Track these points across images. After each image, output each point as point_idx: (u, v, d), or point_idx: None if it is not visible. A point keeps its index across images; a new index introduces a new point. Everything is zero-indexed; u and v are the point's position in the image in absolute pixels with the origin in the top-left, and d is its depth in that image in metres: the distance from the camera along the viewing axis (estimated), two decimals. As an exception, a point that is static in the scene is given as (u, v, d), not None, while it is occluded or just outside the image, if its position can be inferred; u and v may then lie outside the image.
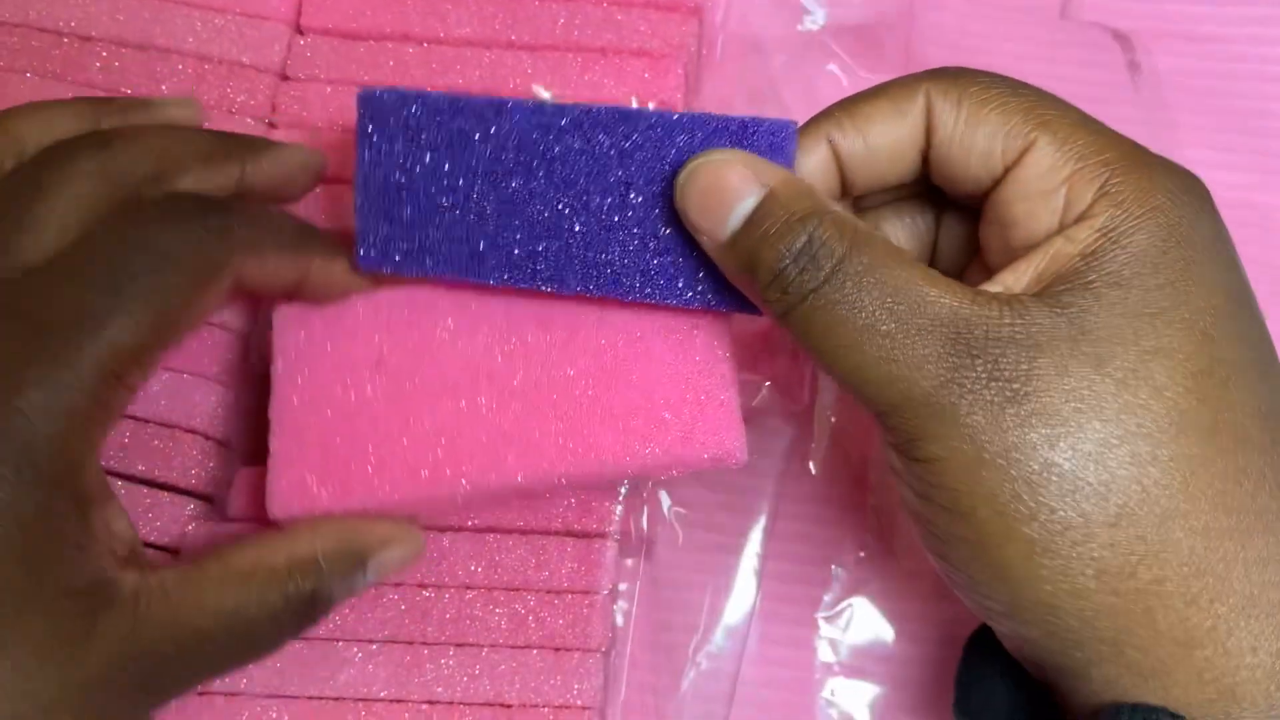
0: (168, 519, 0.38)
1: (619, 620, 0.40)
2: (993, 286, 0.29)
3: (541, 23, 0.43)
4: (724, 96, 0.44)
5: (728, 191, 0.30)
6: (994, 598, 0.28)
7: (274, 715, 0.37)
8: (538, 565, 0.38)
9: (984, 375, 0.27)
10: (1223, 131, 0.45)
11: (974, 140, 0.31)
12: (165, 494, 0.38)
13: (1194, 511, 0.27)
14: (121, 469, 0.38)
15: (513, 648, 0.37)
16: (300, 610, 0.32)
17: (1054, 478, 0.27)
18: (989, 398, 0.27)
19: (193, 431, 0.39)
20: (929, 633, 0.40)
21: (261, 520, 0.39)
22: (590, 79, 0.42)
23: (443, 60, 0.42)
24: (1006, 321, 0.27)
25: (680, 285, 0.32)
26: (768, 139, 0.31)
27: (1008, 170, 0.30)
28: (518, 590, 0.38)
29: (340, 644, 0.37)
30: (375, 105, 0.34)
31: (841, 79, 0.45)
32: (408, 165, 0.34)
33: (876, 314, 0.28)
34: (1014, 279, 0.29)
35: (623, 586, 0.40)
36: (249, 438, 0.42)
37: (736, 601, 0.41)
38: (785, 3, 0.46)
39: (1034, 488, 0.27)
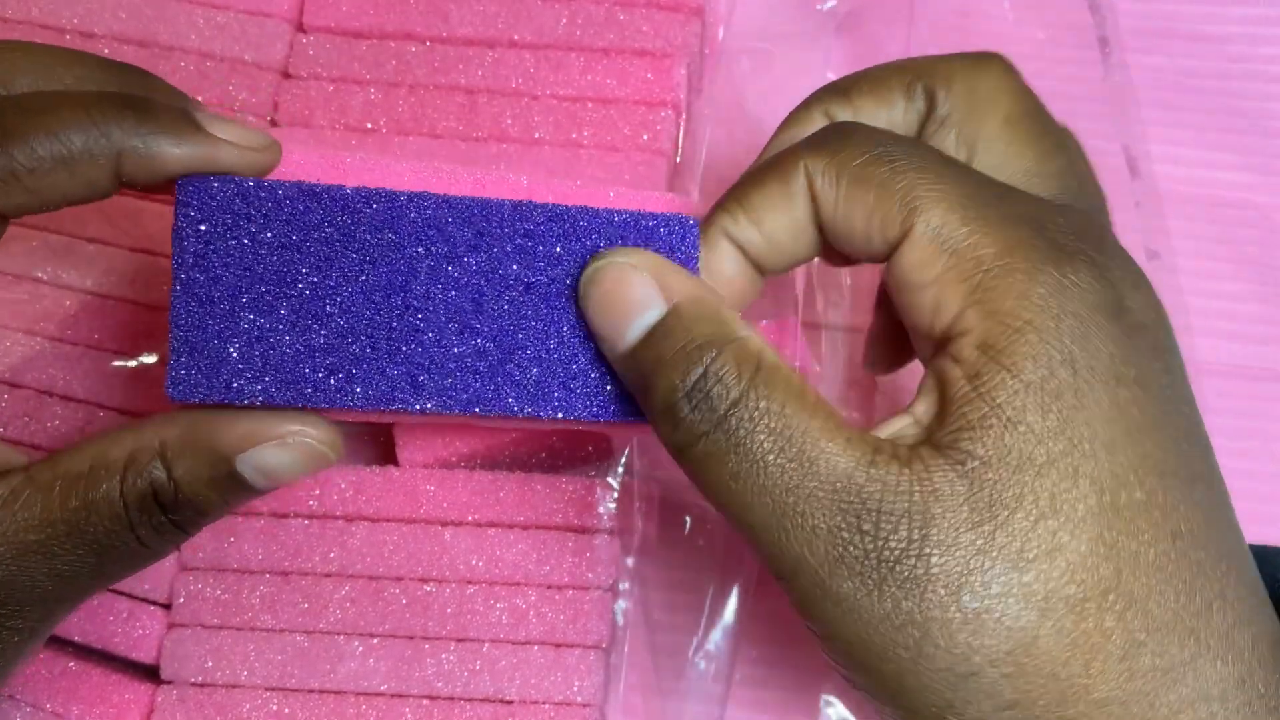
0: (169, 513, 0.38)
1: (619, 620, 0.40)
2: (897, 424, 0.28)
3: (544, 22, 0.43)
4: (726, 98, 0.45)
5: (629, 302, 0.29)
6: None
7: (274, 708, 0.37)
8: (538, 560, 0.38)
9: (873, 557, 0.26)
10: (1223, 132, 0.45)
11: (853, 221, 0.29)
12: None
13: (1092, 685, 0.25)
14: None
15: (513, 643, 0.37)
16: (147, 509, 0.28)
17: (936, 651, 0.26)
18: (875, 579, 0.26)
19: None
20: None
21: (265, 512, 0.39)
22: (592, 79, 0.42)
23: (445, 59, 0.43)
24: (903, 491, 0.26)
25: (603, 399, 0.29)
26: (669, 236, 0.30)
27: (892, 252, 0.29)
28: (518, 585, 0.38)
29: (341, 638, 0.37)
30: (203, 194, 0.28)
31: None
32: (245, 268, 0.28)
33: (769, 472, 0.27)
34: (921, 409, 0.28)
35: (623, 586, 0.40)
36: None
37: (736, 601, 0.41)
38: (785, 4, 0.46)
39: (918, 660, 0.26)
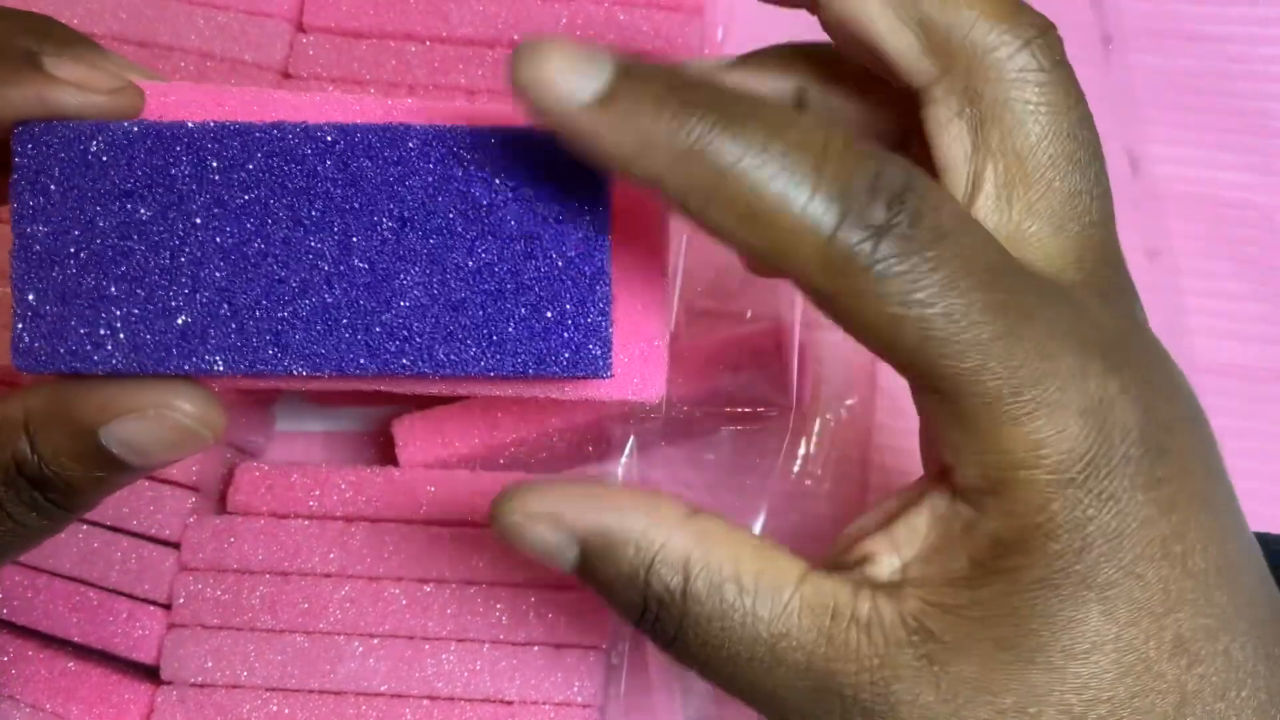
0: (169, 512, 0.38)
1: (619, 620, 0.39)
2: (885, 545, 0.27)
3: (544, 22, 0.43)
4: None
5: (546, 551, 0.27)
6: None
7: (274, 709, 0.37)
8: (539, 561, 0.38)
9: None
10: (1223, 132, 0.45)
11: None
12: (166, 488, 0.39)
13: None
14: (123, 464, 0.39)
15: (513, 644, 0.37)
16: (14, 484, 0.26)
17: None
18: None
19: (194, 427, 0.39)
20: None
21: (265, 512, 0.39)
22: (592, 79, 0.42)
23: (445, 59, 0.42)
24: (864, 668, 0.25)
25: (487, 348, 0.26)
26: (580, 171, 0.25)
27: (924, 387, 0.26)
28: (518, 586, 0.38)
29: (341, 638, 0.37)
30: (40, 143, 0.25)
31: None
32: (88, 220, 0.25)
33: (734, 678, 0.26)
34: (908, 538, 0.27)
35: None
36: (249, 433, 0.42)
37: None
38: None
39: None
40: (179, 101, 0.27)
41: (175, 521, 0.38)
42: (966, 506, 0.26)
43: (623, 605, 0.27)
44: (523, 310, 0.26)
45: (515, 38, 0.42)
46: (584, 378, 0.27)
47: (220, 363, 0.25)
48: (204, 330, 0.25)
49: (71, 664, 0.38)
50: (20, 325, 0.25)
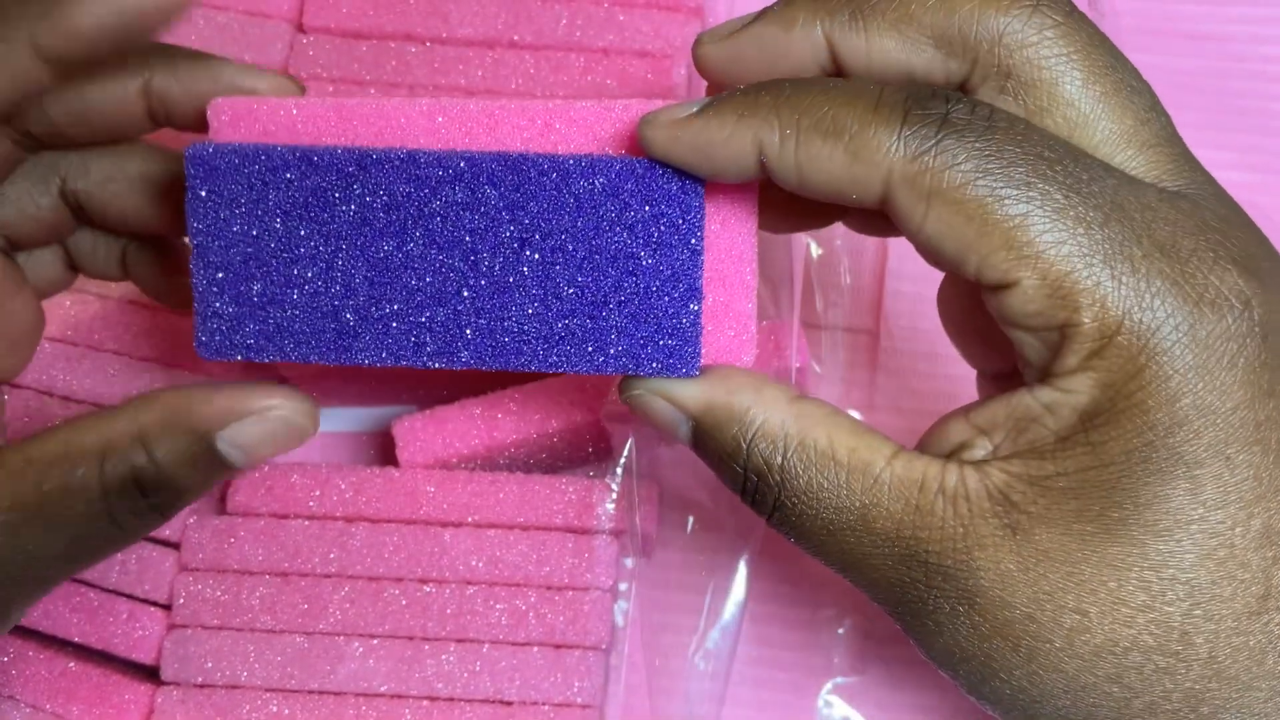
0: (169, 513, 0.38)
1: (619, 620, 0.39)
2: (959, 434, 0.28)
3: (544, 23, 0.43)
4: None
5: (665, 422, 0.30)
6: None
7: (274, 709, 0.37)
8: (538, 561, 0.38)
9: (930, 604, 0.27)
10: (1224, 131, 0.45)
11: (942, 244, 0.26)
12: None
13: (1186, 659, 0.26)
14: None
15: (513, 644, 0.37)
16: (127, 494, 0.29)
17: (1026, 677, 0.27)
18: (941, 618, 0.27)
19: (194, 428, 0.39)
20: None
21: (265, 513, 0.39)
22: (592, 79, 0.42)
23: (445, 60, 0.43)
24: (949, 536, 0.27)
25: (590, 350, 0.29)
26: (677, 184, 0.29)
27: (991, 289, 0.27)
28: (518, 586, 0.38)
29: (341, 638, 0.37)
30: (208, 164, 0.29)
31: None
32: (254, 234, 0.29)
33: (828, 545, 0.28)
34: (992, 429, 0.28)
35: (623, 586, 0.40)
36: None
37: (735, 601, 0.41)
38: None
39: (1021, 684, 0.27)
40: (315, 114, 0.30)
41: (175, 522, 0.38)
42: (1049, 391, 0.26)
43: (728, 477, 0.29)
44: (624, 322, 0.29)
45: (515, 38, 0.42)
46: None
47: (368, 357, 0.30)
48: (358, 330, 0.29)
49: (72, 664, 0.38)
50: (200, 323, 0.30)
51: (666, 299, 0.29)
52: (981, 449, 0.28)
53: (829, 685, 0.40)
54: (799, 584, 0.41)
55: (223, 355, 0.30)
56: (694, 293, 0.29)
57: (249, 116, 0.30)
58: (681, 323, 0.29)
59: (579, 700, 0.37)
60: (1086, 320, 0.25)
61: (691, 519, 0.42)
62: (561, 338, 0.29)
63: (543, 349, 0.29)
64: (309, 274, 0.29)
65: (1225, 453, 0.25)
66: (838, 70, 0.29)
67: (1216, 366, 0.25)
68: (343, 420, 0.44)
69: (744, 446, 0.28)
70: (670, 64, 0.42)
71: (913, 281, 0.44)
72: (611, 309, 0.29)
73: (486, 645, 0.37)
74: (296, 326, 0.30)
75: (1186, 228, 0.26)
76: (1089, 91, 0.27)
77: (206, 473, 0.30)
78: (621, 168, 0.29)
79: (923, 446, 0.30)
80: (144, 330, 0.40)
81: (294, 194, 0.29)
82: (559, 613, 0.37)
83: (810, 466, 0.28)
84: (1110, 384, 0.25)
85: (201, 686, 0.37)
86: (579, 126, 0.30)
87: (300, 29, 0.44)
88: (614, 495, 0.39)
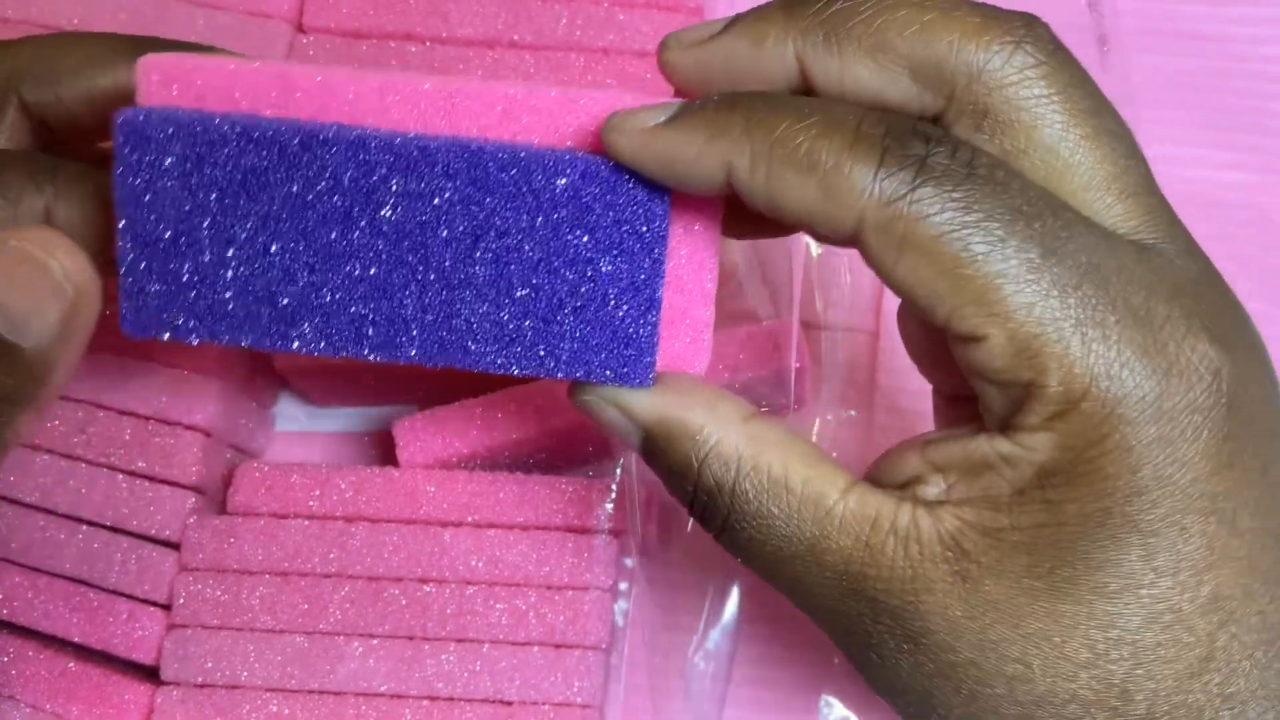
0: (168, 513, 0.38)
1: (619, 620, 0.39)
2: (913, 468, 0.28)
3: (544, 23, 0.43)
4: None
5: (615, 430, 0.29)
6: None
7: (274, 709, 0.37)
8: (538, 561, 0.38)
9: (875, 639, 0.27)
10: (1224, 131, 0.45)
11: (919, 301, 0.26)
12: (166, 488, 0.39)
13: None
14: (123, 464, 0.39)
15: (513, 644, 0.37)
16: None
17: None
18: (885, 653, 0.27)
19: (193, 428, 0.39)
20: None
21: (265, 513, 0.39)
22: (592, 79, 0.42)
23: (445, 60, 0.42)
24: (896, 578, 0.26)
25: (542, 354, 0.28)
26: (643, 192, 0.27)
27: (957, 340, 0.26)
28: (518, 586, 0.38)
29: (340, 638, 0.37)
30: (139, 132, 0.27)
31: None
32: (186, 209, 0.27)
33: (776, 566, 0.28)
34: (955, 462, 0.27)
35: (622, 586, 0.40)
36: (249, 434, 0.42)
37: (735, 601, 0.41)
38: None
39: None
40: (256, 80, 0.28)
41: (175, 522, 0.38)
42: (1007, 443, 0.26)
43: (677, 492, 0.29)
44: (578, 328, 0.28)
45: (515, 38, 0.42)
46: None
47: (305, 346, 0.28)
48: (295, 317, 0.28)
49: (72, 664, 0.38)
50: (125, 298, 0.28)
51: (625, 308, 0.28)
52: (935, 487, 0.28)
53: (829, 685, 0.40)
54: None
55: (148, 332, 0.28)
56: (653, 303, 0.28)
57: (182, 77, 0.28)
58: (638, 333, 0.28)
59: (579, 700, 0.37)
60: (1052, 384, 0.25)
61: (692, 519, 0.42)
62: (512, 339, 0.28)
63: (492, 349, 0.28)
64: (244, 255, 0.28)
65: (1181, 522, 0.25)
66: (808, 91, 0.28)
67: (1179, 439, 0.25)
68: (343, 420, 0.44)
69: (695, 465, 0.28)
70: (670, 64, 0.42)
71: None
72: (566, 313, 0.28)
73: (486, 645, 0.37)
74: (229, 308, 0.28)
75: (1161, 292, 0.25)
76: (1068, 136, 0.26)
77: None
78: (585, 169, 0.27)
79: (876, 472, 0.30)
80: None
81: (231, 170, 0.27)
82: (559, 612, 0.37)
83: (762, 492, 0.27)
84: (1071, 447, 0.25)
85: (201, 686, 0.37)
86: (541, 117, 0.28)
87: (300, 29, 0.43)
88: (614, 495, 0.39)
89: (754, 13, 0.28)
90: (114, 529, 0.38)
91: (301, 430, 0.44)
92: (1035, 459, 0.25)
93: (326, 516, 0.39)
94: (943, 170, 0.25)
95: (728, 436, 0.28)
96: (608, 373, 0.28)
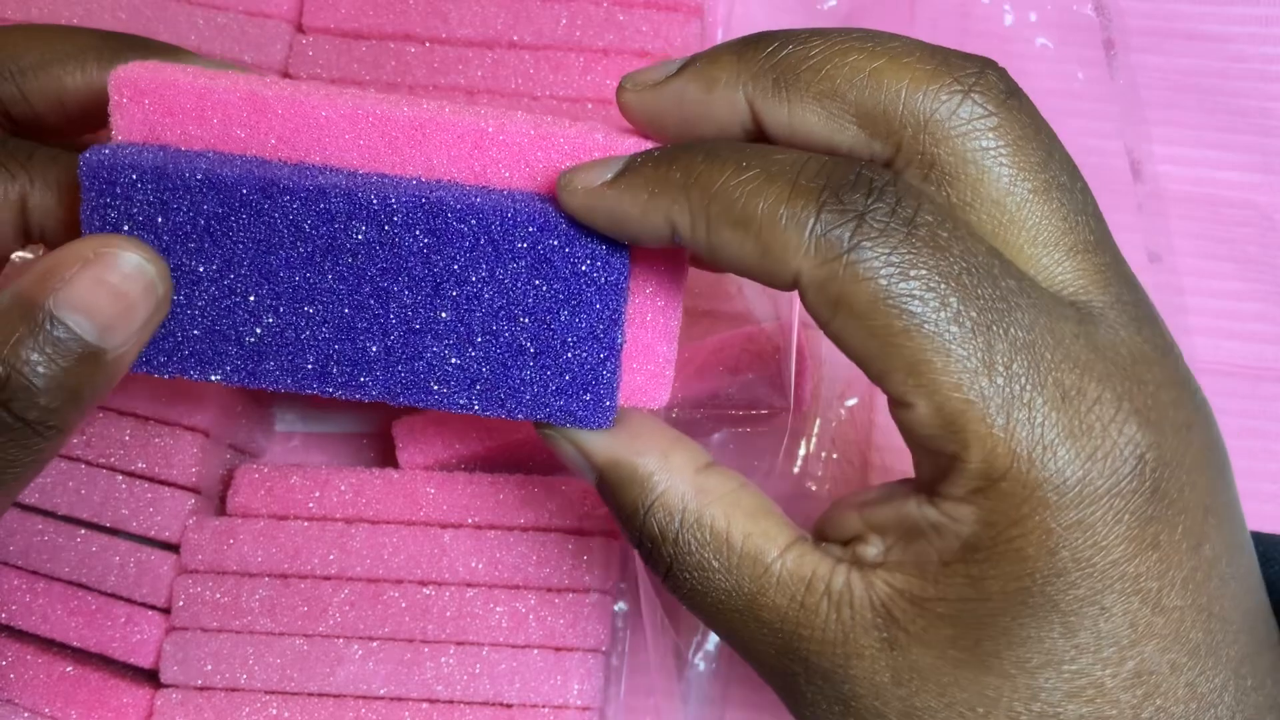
0: (168, 514, 0.38)
1: (619, 622, 0.39)
2: (851, 528, 0.28)
3: (543, 23, 0.43)
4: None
5: (572, 465, 0.30)
6: None
7: (273, 712, 0.37)
8: (538, 563, 0.38)
9: (809, 695, 0.27)
10: (1223, 131, 0.45)
11: (854, 358, 0.26)
12: (166, 489, 0.38)
13: None
14: (123, 465, 0.39)
15: (513, 647, 0.37)
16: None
17: None
18: (819, 711, 0.28)
19: (192, 429, 0.39)
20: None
21: (264, 514, 0.39)
22: (592, 79, 0.42)
23: (444, 60, 0.42)
24: (829, 640, 0.27)
25: (503, 396, 0.29)
26: (603, 246, 0.28)
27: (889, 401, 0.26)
28: (518, 588, 0.38)
29: (340, 641, 0.37)
30: (105, 178, 0.28)
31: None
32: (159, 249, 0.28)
33: (716, 615, 0.28)
34: (892, 524, 0.27)
35: (622, 586, 0.40)
36: (248, 435, 0.42)
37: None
38: (786, 4, 0.46)
39: None
40: (228, 100, 0.29)
41: (174, 524, 0.38)
42: (937, 511, 0.26)
43: (627, 533, 0.30)
44: (539, 373, 0.29)
45: (515, 39, 0.42)
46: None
47: (271, 381, 0.29)
48: (260, 353, 0.29)
49: (70, 668, 0.38)
50: None
51: (584, 355, 0.29)
52: (874, 547, 0.28)
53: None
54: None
55: None
56: (612, 351, 0.29)
57: (154, 93, 0.28)
58: (597, 378, 0.29)
59: (579, 702, 0.37)
60: (974, 460, 0.25)
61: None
62: (474, 381, 0.29)
63: (455, 390, 0.29)
64: (211, 295, 0.28)
65: (1100, 602, 0.25)
66: (760, 135, 0.28)
67: (1100, 523, 0.24)
68: (343, 421, 0.44)
69: (641, 512, 0.29)
70: (670, 64, 0.42)
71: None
72: (526, 359, 0.29)
73: (486, 647, 0.37)
74: (197, 346, 0.29)
75: (1095, 371, 0.25)
76: (1015, 190, 0.26)
77: (74, 366, 0.26)
78: (544, 222, 0.28)
79: (821, 526, 0.30)
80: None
81: (195, 216, 0.28)
82: (559, 615, 0.37)
83: (704, 546, 0.28)
84: (993, 524, 0.25)
85: (201, 689, 0.37)
86: (511, 152, 0.28)
87: (300, 29, 0.43)
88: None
89: (707, 55, 0.28)
90: (113, 531, 0.38)
91: (301, 431, 0.44)
92: (960, 531, 0.25)
93: (326, 518, 0.39)
94: (881, 229, 0.24)
95: (675, 486, 0.29)
96: (568, 417, 0.29)
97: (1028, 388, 0.24)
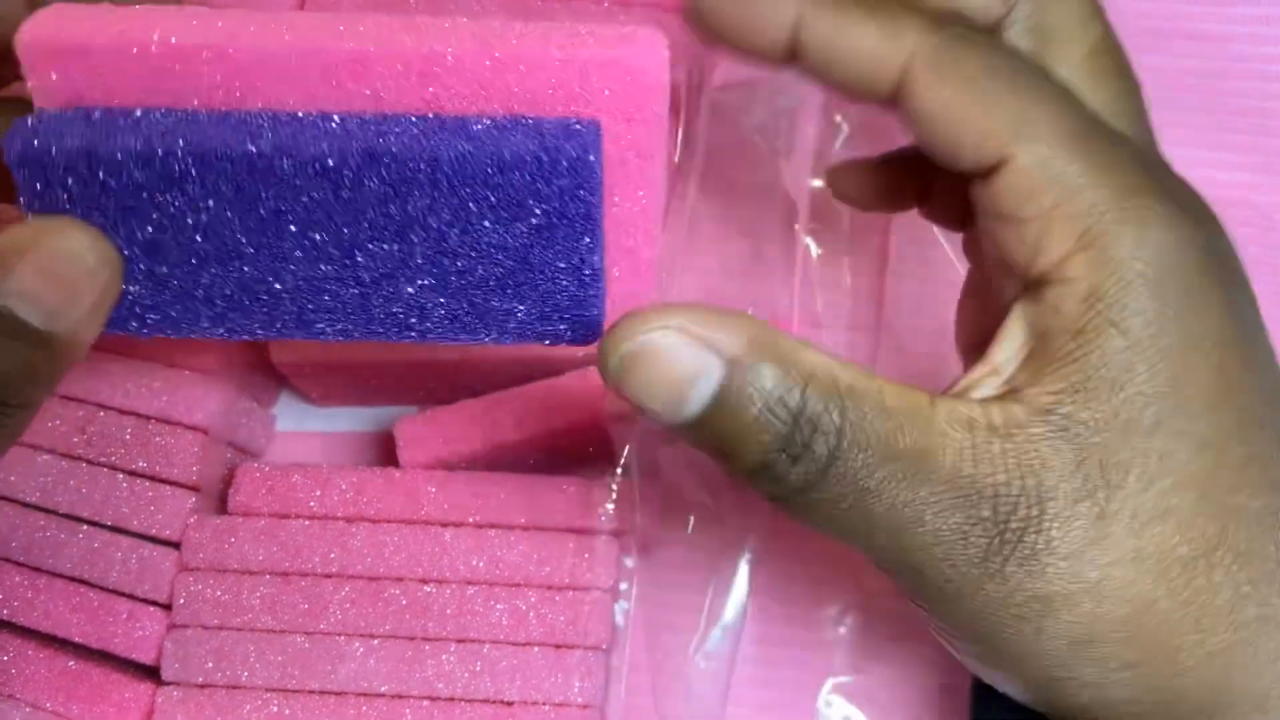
0: (169, 513, 0.38)
1: (619, 620, 0.40)
2: (979, 378, 0.28)
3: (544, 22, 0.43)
4: (725, 97, 0.45)
5: (681, 377, 0.25)
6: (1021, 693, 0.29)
7: (274, 710, 0.37)
8: (539, 561, 0.38)
9: (995, 542, 0.26)
10: (1224, 131, 0.45)
11: (950, 128, 0.28)
12: (167, 488, 0.39)
13: (1203, 640, 0.26)
14: (123, 464, 0.39)
15: (514, 644, 0.37)
16: None
17: (1058, 623, 0.26)
18: (999, 562, 0.26)
19: (194, 428, 0.39)
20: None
21: (265, 513, 0.39)
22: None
23: None
24: (1012, 468, 0.26)
25: (487, 326, 0.28)
26: (569, 191, 0.27)
27: (987, 174, 0.28)
28: (518, 586, 0.38)
29: (341, 639, 0.37)
30: (32, 159, 0.27)
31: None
32: (92, 219, 0.27)
33: (882, 497, 0.26)
34: (1003, 358, 0.28)
35: (623, 586, 0.40)
36: (250, 433, 0.42)
37: (735, 601, 0.41)
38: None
39: (1040, 632, 0.27)
40: (156, 54, 0.27)
41: (176, 522, 0.38)
42: (1050, 289, 0.27)
43: (766, 430, 0.25)
44: (520, 304, 0.28)
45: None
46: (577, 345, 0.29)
47: (249, 331, 0.28)
48: (217, 310, 0.28)
49: (72, 664, 0.38)
50: None
51: (565, 283, 0.28)
52: (991, 387, 0.28)
53: (829, 685, 0.40)
54: (800, 583, 0.41)
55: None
56: (594, 275, 0.28)
57: (69, 57, 0.27)
58: (582, 301, 0.28)
59: (580, 700, 0.37)
60: (1075, 205, 0.26)
61: (692, 519, 0.41)
62: (454, 316, 0.28)
63: (436, 325, 0.28)
64: (171, 259, 0.27)
65: (1219, 343, 0.27)
66: None
67: (1195, 281, 0.26)
68: (343, 420, 0.44)
69: (800, 390, 0.25)
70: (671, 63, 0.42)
71: (913, 281, 0.44)
72: (507, 292, 0.28)
73: (487, 645, 0.37)
74: (170, 309, 0.28)
75: (1162, 171, 0.28)
76: (1090, 63, 0.30)
77: (27, 350, 0.26)
78: (505, 162, 0.26)
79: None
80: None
81: (135, 190, 0.27)
82: (560, 613, 0.37)
83: (866, 414, 0.26)
84: (1103, 261, 0.26)
85: (202, 686, 0.37)
86: (463, 79, 0.27)
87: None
88: (614, 495, 0.39)
89: None
90: (114, 529, 0.38)
91: (301, 430, 0.44)
92: (1078, 288, 0.26)
93: (327, 517, 0.39)
94: (983, 38, 0.28)
95: (820, 358, 0.26)
96: (554, 338, 0.28)
97: (1114, 145, 0.27)
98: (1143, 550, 0.26)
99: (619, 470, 0.39)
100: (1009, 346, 0.28)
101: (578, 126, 0.27)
